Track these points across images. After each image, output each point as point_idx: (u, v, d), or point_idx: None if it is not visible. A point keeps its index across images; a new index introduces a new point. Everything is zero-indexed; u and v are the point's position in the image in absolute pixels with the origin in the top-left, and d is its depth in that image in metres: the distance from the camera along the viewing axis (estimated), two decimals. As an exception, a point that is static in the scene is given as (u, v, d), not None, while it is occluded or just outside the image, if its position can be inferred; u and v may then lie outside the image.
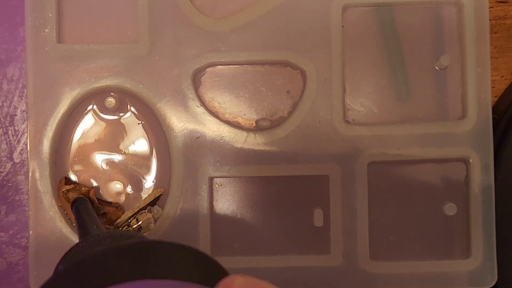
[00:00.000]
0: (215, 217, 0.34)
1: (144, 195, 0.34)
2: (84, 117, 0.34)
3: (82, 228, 0.29)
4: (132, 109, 0.35)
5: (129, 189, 0.35)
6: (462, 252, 0.34)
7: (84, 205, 0.32)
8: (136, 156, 0.35)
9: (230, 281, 0.17)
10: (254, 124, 0.35)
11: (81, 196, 0.33)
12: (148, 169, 0.35)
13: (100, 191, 0.34)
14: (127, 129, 0.35)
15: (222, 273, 0.20)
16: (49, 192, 0.33)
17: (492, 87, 0.34)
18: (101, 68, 0.33)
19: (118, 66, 0.33)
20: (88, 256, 0.19)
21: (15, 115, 0.36)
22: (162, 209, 0.34)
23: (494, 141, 0.34)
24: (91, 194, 0.34)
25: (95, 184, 0.34)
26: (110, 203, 0.34)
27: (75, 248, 0.24)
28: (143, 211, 0.34)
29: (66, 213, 0.34)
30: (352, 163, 0.33)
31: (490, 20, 0.34)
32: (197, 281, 0.19)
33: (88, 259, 0.19)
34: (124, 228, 0.34)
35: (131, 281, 0.18)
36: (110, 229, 0.34)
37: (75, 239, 0.33)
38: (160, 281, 0.18)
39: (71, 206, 0.32)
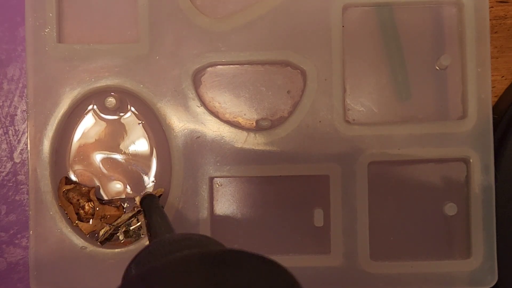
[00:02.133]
0: (215, 217, 0.34)
1: (144, 195, 0.34)
2: (84, 117, 0.34)
3: (152, 228, 0.28)
4: (132, 109, 0.35)
5: (129, 189, 0.35)
6: (462, 252, 0.34)
7: (153, 203, 0.31)
8: (136, 156, 0.35)
9: None
10: (254, 124, 0.35)
11: (150, 192, 0.33)
12: (148, 169, 0.35)
13: (100, 191, 0.34)
14: (127, 129, 0.35)
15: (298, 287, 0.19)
16: (49, 192, 0.33)
17: (492, 87, 0.34)
18: (101, 68, 0.33)
19: (118, 66, 0.33)
20: (164, 262, 0.18)
21: (16, 115, 0.36)
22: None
23: (494, 141, 0.34)
24: (91, 194, 0.34)
25: (95, 184, 0.34)
26: (111, 203, 0.34)
27: (147, 250, 0.23)
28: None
29: (66, 213, 0.34)
30: (352, 163, 0.33)
31: (490, 20, 0.34)
32: None
33: (163, 266, 0.18)
34: (124, 228, 0.34)
35: None
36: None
37: (75, 239, 0.33)
38: None
39: (140, 203, 0.32)
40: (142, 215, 0.34)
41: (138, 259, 0.23)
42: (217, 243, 0.24)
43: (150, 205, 0.31)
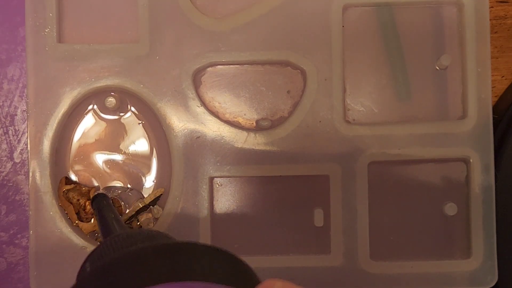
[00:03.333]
0: (215, 217, 0.34)
1: (144, 195, 0.34)
2: (84, 117, 0.34)
3: (105, 226, 0.28)
4: (133, 109, 0.35)
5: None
6: (463, 252, 0.34)
7: (105, 201, 0.31)
8: (136, 156, 0.35)
9: (269, 285, 0.17)
10: (254, 124, 0.35)
11: (101, 192, 0.33)
12: (148, 169, 0.35)
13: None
14: (128, 129, 0.35)
15: (255, 278, 0.19)
16: (49, 192, 0.33)
17: (492, 87, 0.34)
18: (102, 68, 0.33)
19: (118, 66, 0.33)
20: (120, 255, 0.18)
21: (16, 115, 0.36)
22: (163, 209, 0.34)
23: (494, 141, 0.34)
24: (91, 194, 0.34)
25: (95, 184, 0.34)
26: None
27: (101, 247, 0.23)
28: (144, 211, 0.34)
29: (67, 213, 0.34)
30: (352, 163, 0.33)
31: (490, 20, 0.34)
32: (233, 284, 0.18)
33: (120, 259, 0.18)
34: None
35: (168, 282, 0.17)
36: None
37: (75, 239, 0.33)
38: (197, 283, 0.17)
39: (91, 202, 0.32)
40: (142, 215, 0.34)
41: (92, 257, 0.23)
42: (168, 236, 0.24)
43: (101, 204, 0.31)
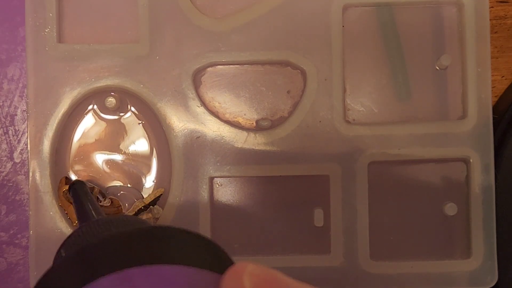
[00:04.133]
0: (215, 217, 0.34)
1: (144, 195, 0.34)
2: (84, 117, 0.34)
3: (82, 212, 0.28)
4: (133, 109, 0.35)
5: (129, 189, 0.35)
6: (463, 252, 0.34)
7: (82, 188, 0.31)
8: (136, 156, 0.35)
9: (241, 267, 0.17)
10: (254, 124, 0.35)
11: (79, 179, 0.33)
12: (148, 169, 0.35)
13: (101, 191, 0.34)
14: (128, 129, 0.35)
15: (229, 261, 0.20)
16: (49, 192, 0.33)
17: (492, 87, 0.34)
18: (102, 68, 0.33)
19: (118, 66, 0.33)
20: (97, 240, 0.18)
21: (16, 115, 0.36)
22: (162, 209, 0.34)
23: (494, 141, 0.34)
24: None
25: (95, 184, 0.34)
26: (111, 202, 0.34)
27: (77, 233, 0.23)
28: (144, 211, 0.34)
29: (66, 213, 0.34)
30: (352, 163, 0.33)
31: (490, 20, 0.34)
32: (207, 267, 0.18)
33: (97, 243, 0.18)
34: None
35: (143, 265, 0.17)
36: None
37: (75, 239, 0.33)
38: (172, 267, 0.18)
39: (69, 189, 0.31)
40: (142, 215, 0.34)
41: (67, 243, 0.23)
42: (144, 222, 0.24)
43: (79, 191, 0.30)
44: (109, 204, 0.34)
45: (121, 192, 0.34)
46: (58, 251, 0.23)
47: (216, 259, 0.19)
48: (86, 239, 0.22)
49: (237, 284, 0.16)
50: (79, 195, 0.30)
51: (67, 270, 0.18)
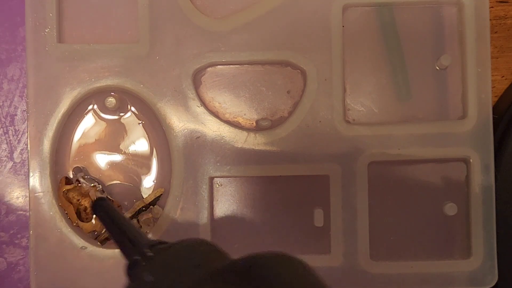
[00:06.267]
0: (215, 217, 0.34)
1: (144, 195, 0.34)
2: (84, 117, 0.34)
3: (120, 234, 0.25)
4: (133, 109, 0.35)
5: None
6: (463, 252, 0.34)
7: (110, 206, 0.27)
8: (136, 156, 0.35)
9: None
10: (254, 124, 0.35)
11: (101, 197, 0.31)
12: (148, 169, 0.35)
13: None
14: (128, 129, 0.35)
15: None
16: (49, 192, 0.33)
17: (492, 87, 0.34)
18: (102, 68, 0.33)
19: (118, 66, 0.33)
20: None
21: (16, 115, 0.36)
22: (163, 209, 0.34)
23: (494, 141, 0.34)
24: (91, 193, 0.34)
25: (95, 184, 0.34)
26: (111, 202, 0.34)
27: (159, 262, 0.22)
28: (144, 211, 0.34)
29: (66, 213, 0.34)
30: (352, 163, 0.33)
31: (490, 20, 0.34)
32: None
33: None
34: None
35: None
36: None
37: (75, 239, 0.33)
38: None
39: (93, 208, 0.29)
40: (142, 215, 0.34)
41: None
42: (217, 251, 0.24)
43: (107, 209, 0.27)
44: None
45: (121, 192, 0.34)
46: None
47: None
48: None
49: None
50: (109, 214, 0.27)
51: None
